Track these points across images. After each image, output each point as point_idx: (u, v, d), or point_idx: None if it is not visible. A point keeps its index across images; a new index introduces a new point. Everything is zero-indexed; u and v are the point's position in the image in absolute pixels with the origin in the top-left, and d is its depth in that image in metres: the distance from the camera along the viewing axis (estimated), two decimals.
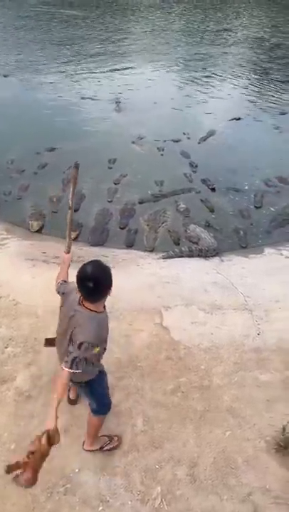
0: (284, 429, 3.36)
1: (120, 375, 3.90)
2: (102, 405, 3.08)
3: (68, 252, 3.20)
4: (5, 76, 13.00)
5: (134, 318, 4.53)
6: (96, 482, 3.10)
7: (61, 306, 2.88)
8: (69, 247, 3.23)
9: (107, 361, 3.80)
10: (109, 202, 7.42)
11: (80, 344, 2.50)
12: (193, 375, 3.97)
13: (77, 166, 3.25)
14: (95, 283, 2.49)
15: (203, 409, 3.65)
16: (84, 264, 2.55)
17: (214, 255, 6.21)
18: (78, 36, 17.80)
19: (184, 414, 3.61)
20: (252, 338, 4.40)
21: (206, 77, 13.90)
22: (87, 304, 2.60)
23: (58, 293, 2.94)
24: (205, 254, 6.19)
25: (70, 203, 3.33)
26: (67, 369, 2.50)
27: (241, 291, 5.06)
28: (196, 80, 13.58)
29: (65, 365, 2.51)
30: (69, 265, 3.13)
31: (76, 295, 2.67)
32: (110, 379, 3.77)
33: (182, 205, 7.38)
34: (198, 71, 14.39)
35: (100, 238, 6.57)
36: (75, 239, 6.50)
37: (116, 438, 3.34)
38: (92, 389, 2.98)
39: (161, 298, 4.88)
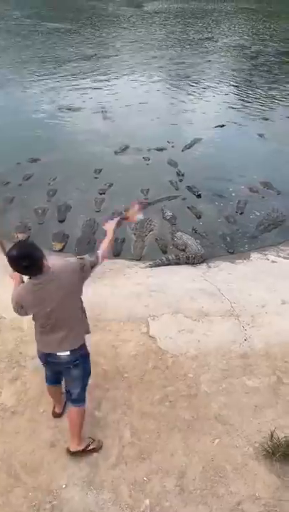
0: (272, 435, 3.34)
1: (107, 387, 3.86)
2: (83, 390, 3.18)
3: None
4: None
5: (120, 329, 4.50)
6: (83, 497, 3.04)
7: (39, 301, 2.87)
8: None
9: (93, 373, 3.80)
10: (96, 212, 7.42)
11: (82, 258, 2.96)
12: (180, 384, 3.94)
13: None
14: (29, 259, 2.68)
15: (191, 417, 3.62)
16: (9, 250, 2.70)
17: (201, 262, 6.22)
18: (60, 48, 17.93)
19: (172, 423, 3.58)
20: (239, 344, 4.39)
21: (189, 85, 14.06)
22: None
23: (19, 311, 2.97)
24: (192, 261, 6.20)
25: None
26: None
27: (228, 298, 5.06)
28: (179, 89, 13.73)
29: (99, 254, 3.07)
30: (20, 280, 3.06)
31: (27, 284, 2.84)
32: (97, 391, 3.77)
33: (169, 213, 7.40)
34: (182, 80, 14.54)
35: (86, 248, 6.55)
36: (61, 250, 6.49)
37: (99, 440, 3.38)
38: (84, 366, 3.12)
39: (148, 307, 4.87)
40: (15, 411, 3.62)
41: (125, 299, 5.04)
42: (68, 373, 3.12)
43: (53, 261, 2.90)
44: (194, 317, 4.75)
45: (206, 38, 20.28)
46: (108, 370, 4.03)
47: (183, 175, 8.56)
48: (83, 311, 3.09)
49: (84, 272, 2.93)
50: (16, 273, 2.95)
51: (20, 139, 9.88)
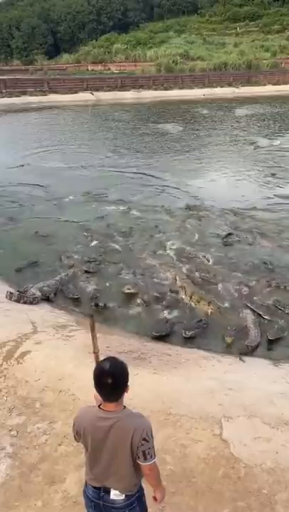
0: None
1: (173, 491, 3.63)
2: None
3: None
4: None
5: (192, 426, 4.28)
6: None
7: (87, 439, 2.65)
8: None
9: (160, 473, 3.61)
10: None
11: (147, 434, 2.55)
12: (253, 500, 3.56)
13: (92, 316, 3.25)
14: (116, 378, 2.49)
15: None
16: (101, 361, 2.60)
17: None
18: (163, 143, 20.50)
19: None
20: None
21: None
22: (108, 406, 2.56)
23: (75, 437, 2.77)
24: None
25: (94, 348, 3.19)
26: (154, 459, 2.60)
27: None
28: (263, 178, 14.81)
29: (150, 459, 2.57)
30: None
31: (92, 409, 2.63)
32: None
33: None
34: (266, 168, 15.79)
35: (163, 327, 6.66)
36: None
37: None
38: (142, 505, 2.81)
39: (223, 406, 4.61)
40: (76, 501, 3.52)
41: (199, 394, 4.85)
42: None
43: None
44: (273, 424, 4.36)
45: None
46: (175, 471, 3.81)
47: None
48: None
49: (137, 450, 2.54)
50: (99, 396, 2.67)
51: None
